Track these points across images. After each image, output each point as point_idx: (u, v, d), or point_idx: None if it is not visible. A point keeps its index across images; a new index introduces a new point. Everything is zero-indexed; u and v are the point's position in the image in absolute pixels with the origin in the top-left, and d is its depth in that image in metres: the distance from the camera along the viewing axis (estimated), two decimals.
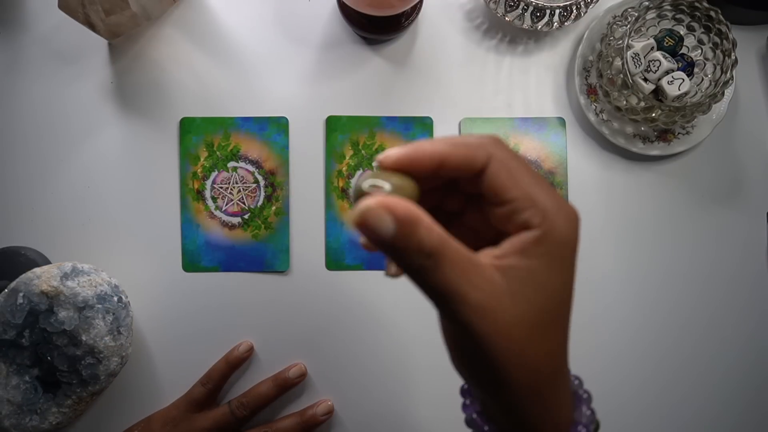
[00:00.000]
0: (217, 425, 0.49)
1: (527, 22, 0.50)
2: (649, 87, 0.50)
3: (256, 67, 0.53)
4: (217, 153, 0.53)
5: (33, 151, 0.53)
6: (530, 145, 0.54)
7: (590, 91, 0.53)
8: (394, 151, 0.23)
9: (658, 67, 0.50)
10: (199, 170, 0.53)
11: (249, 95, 0.53)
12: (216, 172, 0.53)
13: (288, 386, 0.51)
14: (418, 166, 0.23)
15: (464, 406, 0.29)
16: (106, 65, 0.53)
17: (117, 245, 0.52)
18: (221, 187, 0.53)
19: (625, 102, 0.50)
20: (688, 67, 0.50)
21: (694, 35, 0.51)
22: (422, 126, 0.53)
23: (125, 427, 0.50)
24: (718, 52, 0.50)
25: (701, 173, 0.54)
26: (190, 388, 0.51)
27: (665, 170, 0.54)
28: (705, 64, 0.51)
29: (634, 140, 0.53)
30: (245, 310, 0.53)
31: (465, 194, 0.26)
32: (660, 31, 0.51)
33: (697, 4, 0.48)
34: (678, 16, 0.50)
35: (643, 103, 0.49)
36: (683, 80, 0.49)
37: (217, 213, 0.53)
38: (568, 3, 0.48)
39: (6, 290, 0.46)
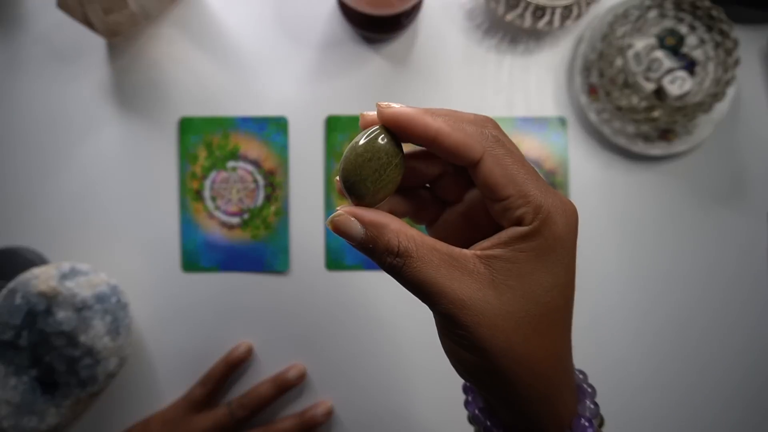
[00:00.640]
0: (217, 426, 0.49)
1: (528, 21, 0.50)
2: (650, 86, 0.50)
3: (255, 67, 0.53)
4: (217, 153, 0.53)
5: (31, 150, 0.53)
6: (531, 145, 0.53)
7: (591, 91, 0.52)
8: (394, 109, 0.23)
9: (659, 67, 0.49)
10: (198, 170, 0.53)
11: (248, 95, 0.53)
12: (215, 172, 0.53)
13: (287, 387, 0.51)
14: (410, 132, 0.23)
15: (467, 403, 0.29)
16: (105, 64, 0.53)
17: (116, 245, 0.52)
18: (220, 187, 0.53)
19: (626, 101, 0.49)
20: (690, 67, 0.50)
21: (695, 34, 0.51)
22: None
23: (124, 428, 0.50)
24: (719, 51, 0.49)
25: (702, 173, 0.54)
26: (190, 389, 0.51)
27: (666, 170, 0.54)
28: (707, 63, 0.50)
29: (635, 140, 0.52)
30: (244, 310, 0.52)
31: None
32: (661, 30, 0.51)
33: (698, 3, 0.48)
34: (679, 15, 0.50)
35: (644, 103, 0.48)
36: (685, 79, 0.49)
37: (217, 213, 0.53)
38: (568, 2, 0.48)
39: (4, 291, 0.46)
